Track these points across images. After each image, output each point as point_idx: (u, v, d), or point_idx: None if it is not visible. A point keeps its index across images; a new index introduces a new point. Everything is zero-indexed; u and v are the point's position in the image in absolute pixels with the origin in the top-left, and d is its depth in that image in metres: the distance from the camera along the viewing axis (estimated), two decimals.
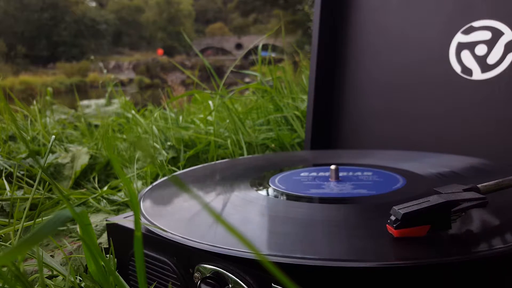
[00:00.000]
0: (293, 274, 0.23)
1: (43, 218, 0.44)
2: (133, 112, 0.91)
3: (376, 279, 0.23)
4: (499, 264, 0.23)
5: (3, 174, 0.54)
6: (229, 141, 0.70)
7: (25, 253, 0.31)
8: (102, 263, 0.21)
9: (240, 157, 0.61)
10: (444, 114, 0.55)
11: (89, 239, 0.20)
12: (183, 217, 0.32)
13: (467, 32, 0.53)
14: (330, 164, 0.40)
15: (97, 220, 0.45)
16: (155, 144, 0.69)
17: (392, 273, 0.23)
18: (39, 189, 0.52)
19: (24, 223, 0.35)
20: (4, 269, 0.27)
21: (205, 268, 0.26)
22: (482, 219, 0.27)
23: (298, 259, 0.23)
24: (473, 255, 0.22)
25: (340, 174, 0.40)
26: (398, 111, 0.59)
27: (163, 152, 0.67)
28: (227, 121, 0.77)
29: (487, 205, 0.26)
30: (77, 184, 0.63)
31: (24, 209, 0.45)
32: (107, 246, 0.35)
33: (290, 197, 0.35)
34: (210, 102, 0.92)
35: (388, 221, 0.24)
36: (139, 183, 0.59)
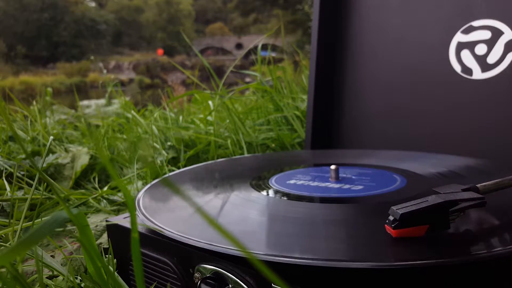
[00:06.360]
0: (292, 273, 0.23)
1: (42, 219, 0.44)
2: (133, 112, 0.91)
3: (374, 280, 0.23)
4: (498, 266, 0.23)
5: (3, 175, 0.54)
6: (229, 141, 0.70)
7: (23, 254, 0.31)
8: (100, 265, 0.21)
9: (240, 156, 0.61)
10: (444, 114, 0.55)
11: (87, 241, 0.20)
12: (183, 215, 0.32)
13: (466, 31, 0.53)
14: (330, 164, 0.40)
15: (97, 220, 0.45)
16: (155, 144, 0.69)
17: (390, 274, 0.23)
18: (39, 190, 0.52)
19: (24, 224, 0.35)
20: (3, 270, 0.27)
21: (205, 268, 0.26)
22: (482, 219, 0.27)
23: (297, 259, 0.23)
24: (472, 256, 0.22)
25: (340, 174, 0.40)
26: (398, 111, 0.59)
27: (163, 152, 0.67)
28: (227, 121, 0.77)
29: (486, 205, 0.26)
30: (77, 184, 0.63)
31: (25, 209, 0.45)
32: (108, 246, 0.35)
33: (290, 197, 0.35)
34: (210, 102, 0.92)
35: (387, 221, 0.24)
36: (139, 183, 0.59)
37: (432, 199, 0.25)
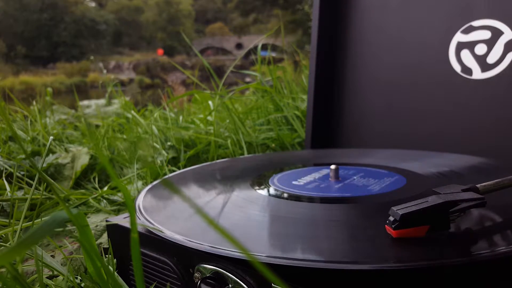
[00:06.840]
0: (292, 274, 0.23)
1: (42, 219, 0.44)
2: (133, 112, 0.91)
3: (374, 281, 0.23)
4: (500, 266, 0.23)
5: (4, 175, 0.54)
6: (229, 141, 0.70)
7: (23, 254, 0.31)
8: (100, 265, 0.21)
9: (240, 156, 0.61)
10: (444, 113, 0.55)
11: (87, 241, 0.20)
12: (183, 216, 0.32)
13: (466, 31, 0.53)
14: (330, 164, 0.40)
15: (97, 220, 0.45)
16: (155, 144, 0.69)
17: (391, 275, 0.23)
18: (39, 190, 0.52)
19: (24, 224, 0.35)
20: (3, 270, 0.27)
21: (205, 268, 0.26)
22: (482, 219, 0.27)
23: (297, 261, 0.23)
24: (473, 257, 0.22)
25: (340, 174, 0.40)
26: (398, 111, 0.59)
27: (163, 152, 0.66)
28: (227, 121, 0.77)
29: (486, 205, 0.25)
30: (77, 184, 0.63)
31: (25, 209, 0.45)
32: (108, 246, 0.35)
33: (290, 197, 0.35)
34: (210, 102, 0.92)
35: (387, 221, 0.24)
36: (139, 183, 0.59)
37: (432, 200, 0.25)
